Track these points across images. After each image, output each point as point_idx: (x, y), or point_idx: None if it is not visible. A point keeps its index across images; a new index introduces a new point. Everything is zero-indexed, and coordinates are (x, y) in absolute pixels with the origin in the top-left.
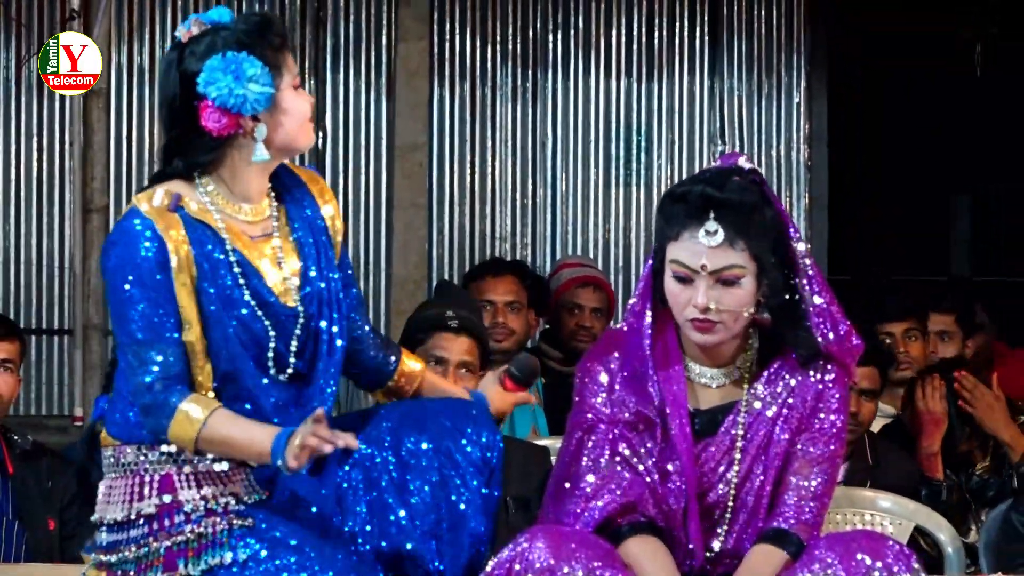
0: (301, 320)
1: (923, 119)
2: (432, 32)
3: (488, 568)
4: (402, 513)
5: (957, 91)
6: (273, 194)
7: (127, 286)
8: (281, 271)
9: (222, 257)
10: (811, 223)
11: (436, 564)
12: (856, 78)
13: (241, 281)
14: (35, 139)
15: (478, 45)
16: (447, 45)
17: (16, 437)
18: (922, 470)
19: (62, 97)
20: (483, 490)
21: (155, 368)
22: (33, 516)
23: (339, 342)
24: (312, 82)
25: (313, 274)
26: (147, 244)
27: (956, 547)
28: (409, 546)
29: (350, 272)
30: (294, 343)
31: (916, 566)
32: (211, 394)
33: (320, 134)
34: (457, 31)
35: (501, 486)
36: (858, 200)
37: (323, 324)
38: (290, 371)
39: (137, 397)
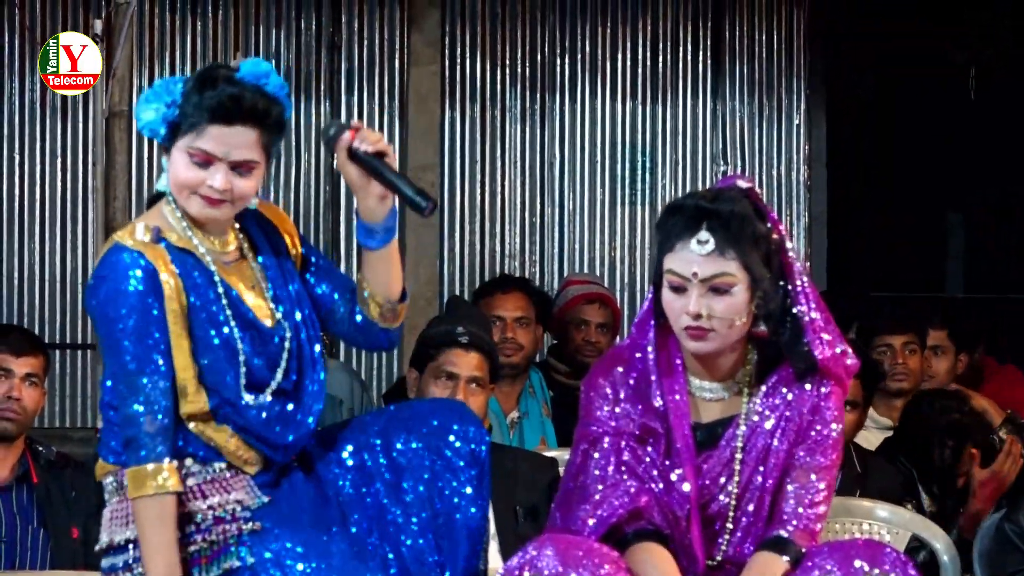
0: (287, 338)
1: (933, 129)
2: (443, 57)
3: (498, 574)
4: (398, 512)
5: (958, 103)
6: (236, 224)
7: (120, 319)
8: (257, 293)
9: (208, 282)
10: (811, 241)
11: (435, 557)
12: (868, 87)
13: (224, 302)
14: (59, 159)
15: (488, 69)
16: (458, 69)
17: (41, 448)
18: (962, 528)
19: (85, 119)
20: (474, 482)
21: (145, 399)
22: (57, 524)
23: (317, 353)
24: (327, 105)
25: (286, 294)
26: (139, 276)
27: (952, 556)
28: (408, 542)
29: (321, 262)
30: (282, 362)
31: (913, 573)
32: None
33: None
34: (467, 56)
35: (491, 476)
36: (860, 216)
37: (303, 337)
38: (271, 389)
39: (125, 427)
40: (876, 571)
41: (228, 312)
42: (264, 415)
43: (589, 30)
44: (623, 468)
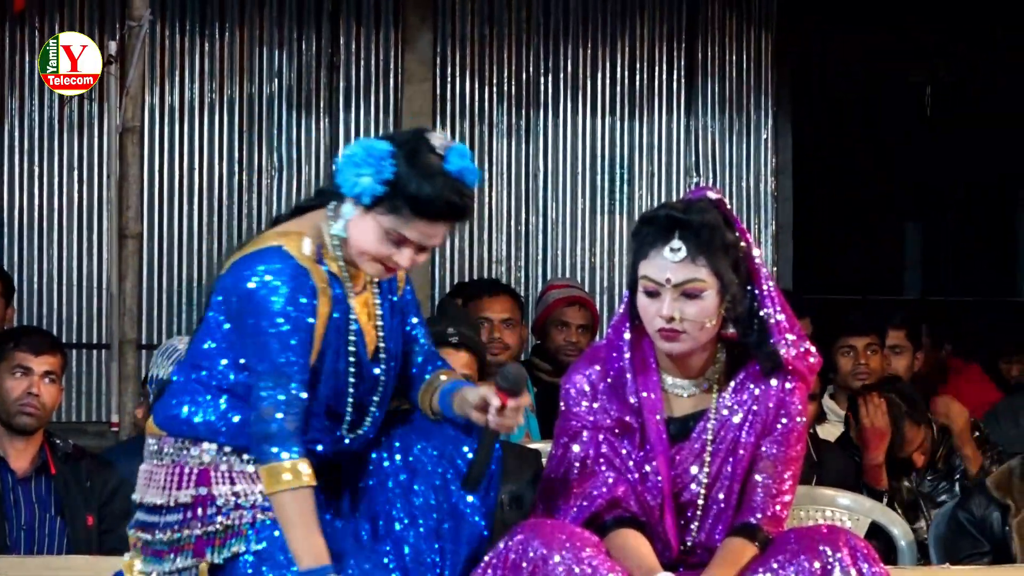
0: (380, 376)
1: (891, 144)
2: (435, 76)
3: (486, 558)
4: (405, 512)
5: (915, 120)
6: None
7: (280, 321)
8: (372, 326)
9: (344, 314)
10: (778, 248)
11: (437, 559)
12: (832, 104)
13: (352, 339)
14: (76, 172)
15: (477, 87)
16: (448, 87)
17: (58, 441)
18: (867, 481)
19: (100, 134)
20: (481, 492)
21: (290, 399)
22: (74, 513)
23: (392, 386)
24: (326, 121)
25: (390, 330)
26: (304, 289)
27: (908, 541)
28: (411, 542)
29: (408, 326)
30: (375, 398)
31: (872, 556)
32: None
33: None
34: (458, 75)
35: (499, 489)
36: (823, 225)
37: (386, 380)
38: (360, 433)
39: (261, 422)
40: (838, 555)
41: (351, 349)
42: (316, 429)
43: (571, 51)
44: (601, 460)
